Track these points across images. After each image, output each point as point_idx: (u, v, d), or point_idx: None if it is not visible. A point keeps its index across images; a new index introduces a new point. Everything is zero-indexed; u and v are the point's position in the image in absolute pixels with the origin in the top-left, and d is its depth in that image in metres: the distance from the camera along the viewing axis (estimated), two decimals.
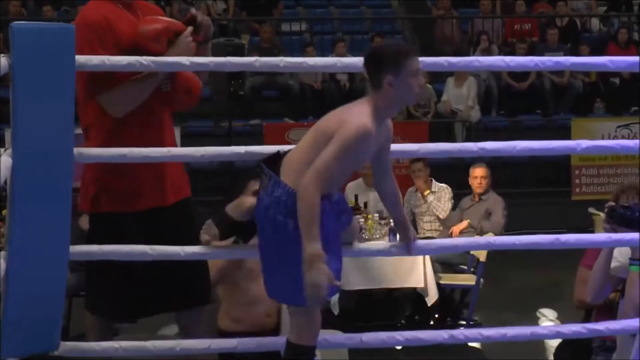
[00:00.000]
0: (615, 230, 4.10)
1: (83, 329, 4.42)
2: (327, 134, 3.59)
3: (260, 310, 4.96)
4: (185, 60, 3.84)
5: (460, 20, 14.62)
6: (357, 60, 3.92)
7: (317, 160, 3.53)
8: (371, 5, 15.71)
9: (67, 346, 3.75)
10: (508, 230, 8.28)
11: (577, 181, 11.86)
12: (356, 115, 3.60)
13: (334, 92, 12.88)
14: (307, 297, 3.44)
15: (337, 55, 12.09)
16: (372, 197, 8.08)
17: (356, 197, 8.17)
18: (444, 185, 8.70)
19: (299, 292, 3.47)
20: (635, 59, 4.20)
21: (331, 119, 3.67)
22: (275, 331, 4.93)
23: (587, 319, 5.05)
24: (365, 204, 8.15)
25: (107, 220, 4.16)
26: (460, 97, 12.85)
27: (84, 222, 4.45)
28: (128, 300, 4.20)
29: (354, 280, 7.21)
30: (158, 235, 4.02)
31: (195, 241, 3.97)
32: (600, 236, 4.17)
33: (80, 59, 3.68)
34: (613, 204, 4.20)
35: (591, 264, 4.65)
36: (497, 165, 9.65)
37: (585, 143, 4.17)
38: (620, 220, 4.09)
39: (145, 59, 3.79)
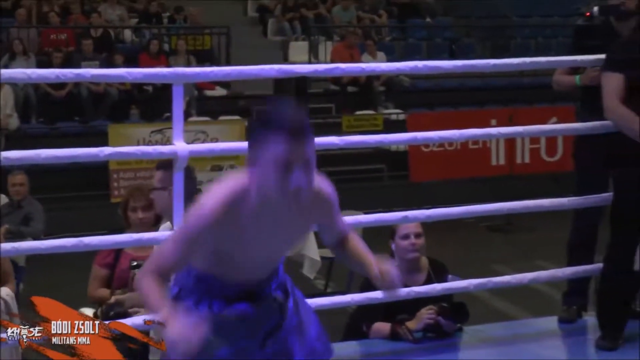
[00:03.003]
0: None
1: None
2: None
3: None
4: None
5: None
6: None
7: None
8: None
9: None
10: (48, 234, 8.19)
11: (115, 184, 11.98)
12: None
13: None
14: None
15: None
16: None
17: None
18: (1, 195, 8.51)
19: None
20: (151, 70, 4.36)
21: None
22: None
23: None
24: None
25: None
26: None
27: None
28: None
29: None
30: None
31: None
32: (122, 236, 4.27)
33: None
34: None
35: (103, 263, 4.85)
36: (37, 171, 9.49)
37: (108, 150, 4.27)
38: None
39: None
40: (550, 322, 5.21)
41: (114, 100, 13.52)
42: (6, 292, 4.80)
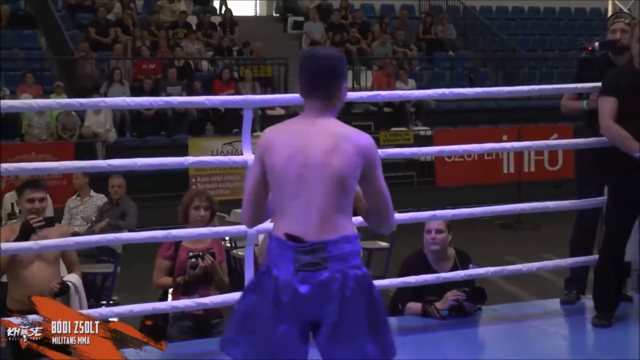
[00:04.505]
0: None
1: None
2: (344, 173, 2.68)
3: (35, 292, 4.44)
4: None
5: (98, 61, 14.36)
6: None
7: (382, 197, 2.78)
8: (23, 47, 14.95)
9: None
10: (141, 226, 8.26)
11: (193, 187, 11.98)
12: (358, 134, 2.73)
13: None
14: None
15: None
16: None
17: (12, 204, 7.82)
18: (101, 195, 8.58)
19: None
20: (226, 98, 4.37)
21: (328, 157, 2.68)
22: None
23: (163, 298, 5.05)
24: (20, 211, 7.81)
25: None
26: (99, 122, 12.72)
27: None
28: None
29: None
30: None
31: None
32: (203, 230, 4.28)
33: None
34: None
35: (165, 255, 4.76)
36: (131, 176, 9.58)
37: (191, 159, 4.30)
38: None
39: None
40: (554, 304, 5.17)
41: (193, 118, 13.61)
42: (74, 277, 4.76)
